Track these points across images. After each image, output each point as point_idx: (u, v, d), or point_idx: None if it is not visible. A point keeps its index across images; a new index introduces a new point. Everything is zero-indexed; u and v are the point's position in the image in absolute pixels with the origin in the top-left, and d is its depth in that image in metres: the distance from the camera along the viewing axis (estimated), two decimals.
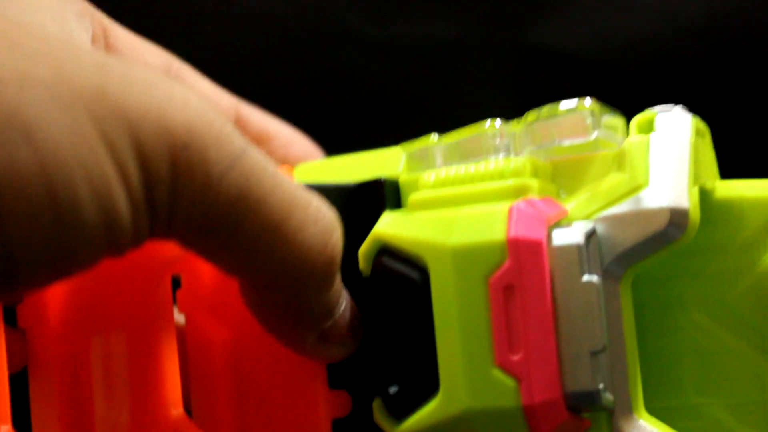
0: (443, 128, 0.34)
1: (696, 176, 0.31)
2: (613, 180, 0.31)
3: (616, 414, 0.31)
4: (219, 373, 0.33)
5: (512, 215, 0.30)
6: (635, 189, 0.31)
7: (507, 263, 0.29)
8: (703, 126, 0.32)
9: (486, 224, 0.30)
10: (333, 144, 0.38)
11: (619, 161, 0.31)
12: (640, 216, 0.30)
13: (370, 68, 0.49)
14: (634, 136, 0.32)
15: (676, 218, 0.30)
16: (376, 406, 0.32)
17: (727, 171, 0.34)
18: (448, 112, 0.34)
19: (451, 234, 0.30)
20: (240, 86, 0.37)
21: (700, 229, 0.31)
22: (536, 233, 0.30)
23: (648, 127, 0.32)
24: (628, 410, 0.31)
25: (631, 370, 0.31)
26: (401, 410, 0.32)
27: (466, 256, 0.30)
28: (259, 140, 0.35)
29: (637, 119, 0.32)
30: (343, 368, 0.33)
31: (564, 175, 0.32)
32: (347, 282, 0.32)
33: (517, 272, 0.29)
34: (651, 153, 0.31)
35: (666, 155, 0.31)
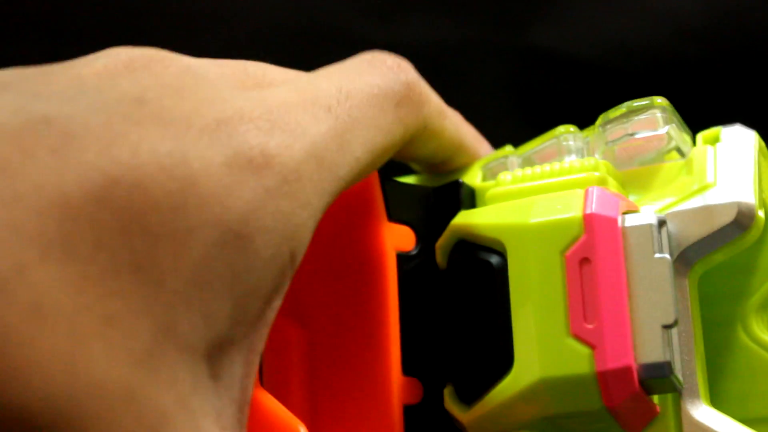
0: None
1: (760, 187, 0.33)
2: (681, 183, 0.33)
3: (684, 399, 0.31)
4: (292, 364, 0.34)
5: (589, 195, 0.31)
6: (703, 188, 0.32)
7: (583, 237, 0.31)
8: (764, 145, 0.34)
9: (563, 204, 0.32)
10: None
11: (687, 169, 0.33)
12: (708, 211, 0.32)
13: None
14: (701, 146, 0.34)
15: (744, 212, 0.32)
16: (447, 393, 0.33)
17: None
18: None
19: (529, 215, 0.32)
20: None
21: (754, 247, 0.33)
22: (611, 212, 0.31)
23: (714, 140, 0.34)
24: (696, 396, 0.31)
25: (698, 360, 0.32)
26: (472, 395, 0.32)
27: (543, 232, 0.31)
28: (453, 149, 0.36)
29: (704, 133, 0.34)
30: (416, 356, 0.33)
31: (633, 183, 0.34)
32: (425, 280, 0.33)
33: (593, 246, 0.31)
34: (718, 158, 0.33)
35: (732, 160, 0.33)
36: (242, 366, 0.26)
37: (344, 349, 0.34)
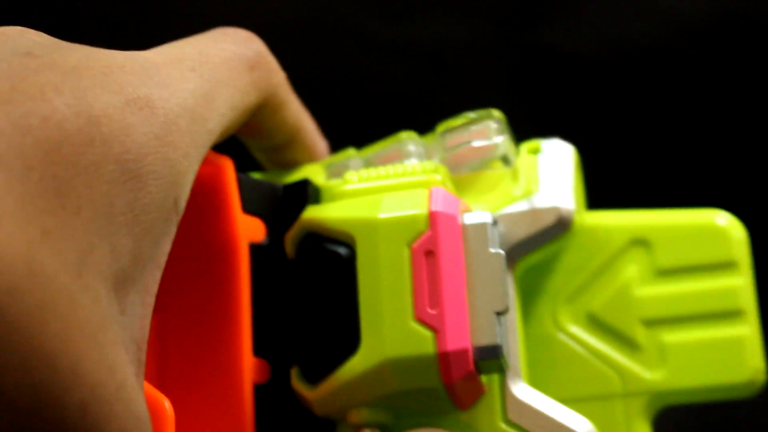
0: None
1: (577, 194, 0.37)
2: (507, 189, 0.37)
3: (508, 378, 0.35)
4: None
5: (433, 195, 0.35)
6: (527, 194, 0.37)
7: (428, 232, 0.34)
8: (579, 159, 0.39)
9: (410, 202, 0.35)
10: (340, 144, 0.41)
11: (512, 176, 0.37)
12: (532, 214, 0.36)
13: (377, 68, 0.51)
14: (525, 156, 0.38)
15: (563, 215, 0.36)
16: (294, 372, 0.35)
17: (730, 168, 0.38)
18: (456, 113, 0.37)
19: (378, 210, 0.35)
20: None
21: (566, 251, 0.37)
22: (453, 210, 0.35)
23: (535, 151, 0.38)
24: (519, 377, 0.35)
25: (520, 345, 0.36)
26: (318, 375, 0.35)
27: (392, 226, 0.34)
28: (295, 129, 0.39)
29: (526, 145, 0.38)
30: (266, 339, 0.36)
31: (463, 187, 0.38)
32: (275, 269, 0.36)
33: (437, 240, 0.34)
34: (540, 167, 0.37)
35: (553, 169, 0.37)
36: (140, 306, 0.29)
37: (197, 332, 0.36)
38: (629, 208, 0.39)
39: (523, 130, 0.39)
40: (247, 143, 0.39)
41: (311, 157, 0.39)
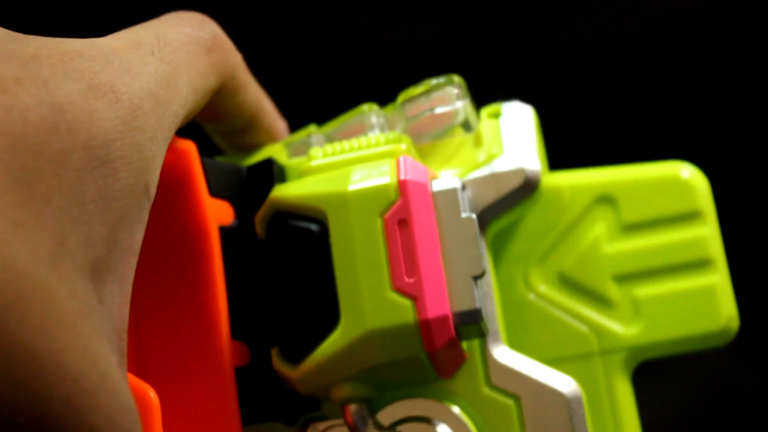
0: None
1: (540, 155, 0.37)
2: (470, 154, 0.37)
3: (489, 343, 0.35)
4: None
5: (400, 164, 0.35)
6: (491, 157, 0.36)
7: (399, 201, 0.34)
8: (538, 121, 0.39)
9: (378, 172, 0.35)
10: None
11: (475, 141, 0.37)
12: (498, 177, 0.36)
13: (380, 67, 0.50)
14: (486, 121, 0.38)
15: (530, 176, 0.36)
16: (274, 353, 0.35)
17: (730, 162, 0.38)
18: None
19: (347, 183, 0.35)
20: None
21: (533, 214, 0.38)
22: (422, 178, 0.35)
23: (496, 115, 0.38)
24: (499, 340, 0.35)
25: (498, 309, 0.36)
26: (299, 354, 0.35)
27: (362, 198, 0.34)
28: (254, 110, 0.38)
29: (486, 109, 0.38)
30: (243, 322, 0.35)
31: (426, 157, 0.38)
32: (246, 251, 0.35)
33: (408, 208, 0.34)
34: (502, 131, 0.37)
35: (515, 131, 0.37)
36: (119, 295, 0.29)
37: (173, 319, 0.35)
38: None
39: None
40: (206, 127, 0.38)
41: (271, 138, 0.39)
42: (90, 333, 0.27)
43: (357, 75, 0.51)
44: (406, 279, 0.33)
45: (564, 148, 0.39)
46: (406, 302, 0.33)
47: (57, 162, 0.27)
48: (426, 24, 0.53)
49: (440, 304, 0.33)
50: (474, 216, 0.34)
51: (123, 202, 0.29)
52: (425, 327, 0.33)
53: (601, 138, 0.50)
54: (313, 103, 0.39)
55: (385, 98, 0.39)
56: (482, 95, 0.40)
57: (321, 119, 0.40)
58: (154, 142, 0.30)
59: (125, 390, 0.28)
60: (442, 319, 0.33)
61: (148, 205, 0.30)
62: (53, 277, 0.26)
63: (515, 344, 0.37)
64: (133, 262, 0.30)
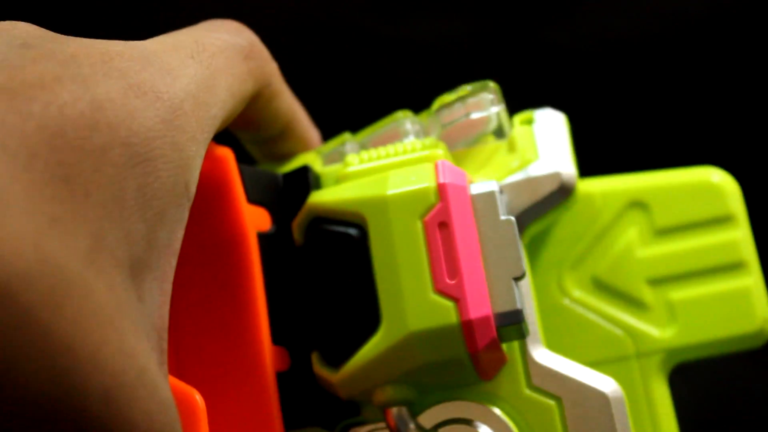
0: None
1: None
2: (505, 159, 0.37)
3: (529, 344, 0.35)
4: None
5: (439, 167, 0.35)
6: (526, 162, 0.37)
7: (439, 204, 0.34)
8: (569, 127, 0.39)
9: (417, 176, 0.35)
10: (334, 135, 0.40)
11: (509, 147, 0.38)
12: (534, 182, 0.36)
13: (380, 66, 0.50)
14: (519, 127, 0.38)
15: (565, 180, 0.36)
16: (315, 358, 0.35)
17: (735, 161, 0.38)
18: None
19: (385, 188, 0.35)
20: None
21: (565, 219, 0.38)
22: (461, 181, 0.35)
23: (529, 121, 0.38)
24: (539, 342, 0.35)
25: (536, 310, 0.36)
26: (339, 357, 0.35)
27: (403, 202, 0.34)
28: (288, 119, 0.39)
29: (519, 116, 0.38)
30: (282, 327, 0.36)
31: (461, 164, 0.38)
32: (284, 257, 0.36)
33: (448, 211, 0.34)
34: (537, 136, 0.37)
35: (549, 137, 0.37)
36: (159, 293, 0.29)
37: (213, 325, 0.35)
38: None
39: None
40: (240, 136, 0.39)
41: (305, 147, 0.39)
42: (128, 329, 0.27)
43: (357, 75, 0.51)
44: (448, 281, 0.34)
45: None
46: (449, 303, 0.33)
47: (96, 158, 0.27)
48: (426, 24, 0.53)
49: (482, 305, 0.33)
50: (513, 218, 0.34)
51: (163, 200, 0.29)
52: (468, 327, 0.33)
53: (600, 138, 0.51)
54: (313, 103, 0.39)
55: (385, 98, 0.39)
56: None
57: (321, 119, 0.40)
58: (194, 143, 0.30)
59: (164, 387, 0.28)
60: (485, 320, 0.33)
61: (187, 205, 0.30)
62: (90, 272, 0.26)
63: (552, 348, 0.37)
64: (173, 261, 0.30)
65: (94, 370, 0.25)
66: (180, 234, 0.30)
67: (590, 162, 0.41)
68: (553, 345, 0.37)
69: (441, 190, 0.34)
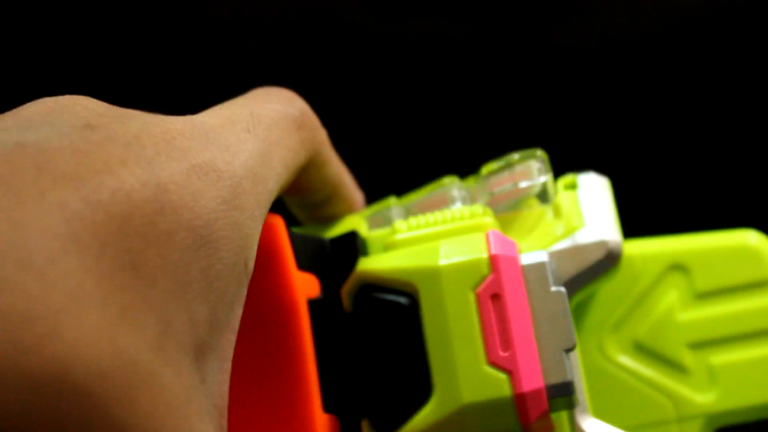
0: (452, 126, 0.37)
1: None
2: (551, 226, 0.38)
3: (577, 414, 0.36)
4: None
5: (490, 238, 0.35)
6: (572, 229, 0.37)
7: (492, 275, 0.35)
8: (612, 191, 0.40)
9: (468, 247, 0.35)
10: (340, 143, 0.40)
11: (554, 212, 0.38)
12: (581, 250, 0.37)
13: (378, 65, 0.50)
14: (563, 192, 0.38)
15: (612, 248, 0.37)
16: (365, 426, 0.35)
17: (735, 160, 0.38)
18: (457, 110, 0.37)
19: (437, 258, 0.35)
20: (247, 83, 0.39)
21: (605, 283, 0.38)
22: (512, 252, 0.35)
23: (573, 186, 0.39)
24: (586, 411, 0.36)
25: (584, 379, 0.36)
26: (390, 425, 0.35)
27: (455, 273, 0.35)
28: (336, 184, 0.39)
29: (563, 180, 0.39)
30: (333, 394, 0.36)
31: (506, 229, 0.38)
32: (334, 323, 0.36)
33: (500, 283, 0.34)
34: (581, 202, 0.38)
35: (594, 203, 0.38)
36: (219, 372, 0.29)
37: (263, 392, 0.36)
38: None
39: (522, 127, 0.39)
40: (286, 199, 0.39)
41: (350, 209, 0.39)
42: (194, 414, 0.27)
43: (357, 75, 0.51)
44: (501, 353, 0.34)
45: (565, 147, 0.39)
46: (502, 376, 0.34)
47: (162, 243, 0.27)
48: (427, 24, 0.53)
49: (535, 378, 0.34)
50: (564, 290, 0.35)
51: (224, 281, 0.29)
52: (521, 400, 0.34)
53: (600, 138, 0.51)
54: (314, 102, 0.39)
55: (385, 97, 0.39)
56: (483, 94, 0.40)
57: (321, 119, 0.40)
58: (253, 220, 0.31)
59: None
60: (537, 393, 0.34)
61: (247, 282, 0.31)
62: (159, 361, 0.26)
63: (592, 411, 0.38)
64: (233, 339, 0.30)
65: None
66: (239, 312, 0.30)
67: (589, 161, 0.41)
68: (594, 408, 0.38)
69: (493, 261, 0.35)
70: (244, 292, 0.31)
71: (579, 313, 0.39)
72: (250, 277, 0.31)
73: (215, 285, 0.29)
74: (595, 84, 0.53)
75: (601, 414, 0.38)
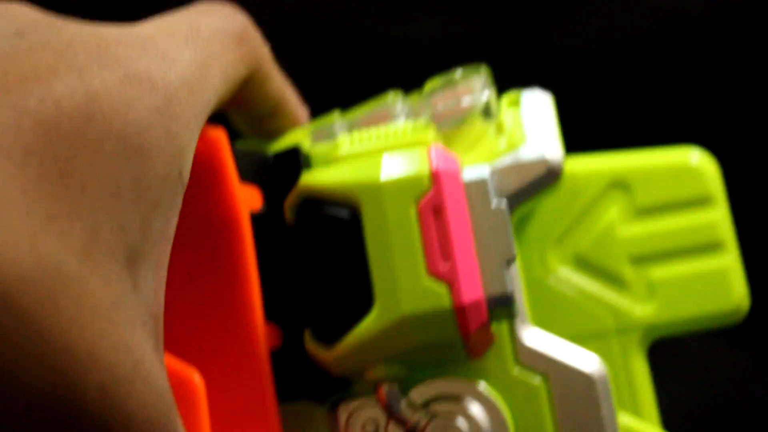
0: None
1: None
2: (493, 142, 0.38)
3: (517, 324, 0.36)
4: None
5: (431, 153, 0.36)
6: (514, 146, 0.37)
7: (433, 190, 0.35)
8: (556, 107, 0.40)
9: (410, 162, 0.35)
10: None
11: (497, 129, 0.38)
12: (522, 167, 0.37)
13: (380, 65, 0.51)
14: (506, 108, 0.39)
15: (553, 165, 0.37)
16: (307, 335, 0.36)
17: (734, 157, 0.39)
18: None
19: (379, 173, 0.35)
20: None
21: (548, 197, 0.39)
22: (454, 167, 0.35)
23: (516, 103, 0.39)
24: (526, 321, 0.36)
25: (524, 289, 0.37)
26: (332, 335, 0.35)
27: (396, 188, 0.35)
28: (278, 98, 0.39)
29: (506, 97, 0.39)
30: (274, 304, 0.36)
31: (450, 144, 0.38)
32: (276, 236, 0.36)
33: (442, 197, 0.35)
34: (524, 119, 0.38)
35: (537, 119, 0.38)
36: (153, 280, 0.29)
37: (205, 304, 0.36)
38: (601, 149, 0.40)
39: None
40: (229, 114, 0.39)
41: (293, 124, 0.40)
42: (123, 321, 0.27)
43: (357, 74, 0.52)
44: (441, 265, 0.34)
45: (565, 147, 0.40)
46: (442, 287, 0.34)
47: (92, 151, 0.27)
48: (427, 23, 0.54)
49: (474, 289, 0.34)
50: (505, 204, 0.35)
51: (157, 190, 0.29)
52: (460, 311, 0.34)
53: (601, 138, 0.51)
54: (313, 100, 0.39)
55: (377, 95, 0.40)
56: None
57: (316, 113, 0.40)
58: (188, 131, 0.31)
59: (160, 376, 0.28)
60: (477, 303, 0.34)
61: (182, 192, 0.31)
62: (86, 268, 0.26)
63: (534, 322, 0.38)
64: (168, 247, 0.30)
65: (90, 366, 0.26)
66: (174, 221, 0.30)
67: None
68: (535, 319, 0.38)
69: (435, 176, 0.35)
70: (179, 201, 0.31)
71: (522, 227, 0.39)
72: (185, 186, 0.31)
73: (147, 194, 0.29)
74: (595, 84, 0.53)
75: (542, 325, 0.38)
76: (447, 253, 0.34)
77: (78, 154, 0.26)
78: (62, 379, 0.25)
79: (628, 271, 0.39)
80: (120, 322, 0.27)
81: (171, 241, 0.30)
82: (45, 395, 0.25)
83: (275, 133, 0.40)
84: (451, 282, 0.34)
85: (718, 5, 0.45)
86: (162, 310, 0.30)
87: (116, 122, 0.28)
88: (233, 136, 0.40)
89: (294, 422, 0.37)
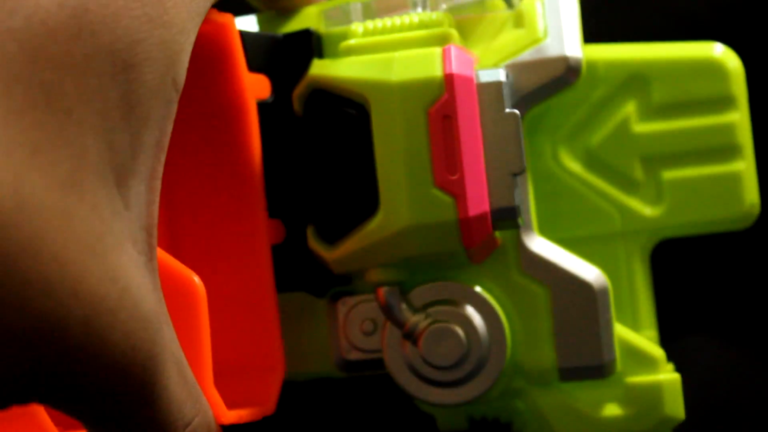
0: None
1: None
2: (513, 35, 0.36)
3: (522, 233, 0.36)
4: None
5: (447, 55, 0.34)
6: (534, 41, 0.36)
7: (445, 96, 0.34)
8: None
9: (424, 63, 0.34)
10: None
11: (516, 20, 0.37)
12: (542, 63, 0.36)
13: None
14: (528, 1, 0.37)
15: (572, 65, 0.36)
16: (310, 232, 0.36)
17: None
18: None
19: (391, 72, 0.34)
20: None
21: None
22: (468, 71, 0.34)
23: None
24: (532, 230, 0.36)
25: (531, 197, 0.36)
26: (335, 235, 0.35)
27: (408, 90, 0.34)
28: None
29: None
30: (278, 199, 0.36)
31: (466, 33, 0.37)
32: (283, 126, 0.35)
33: (454, 104, 0.34)
34: (547, 13, 0.36)
35: (559, 15, 0.36)
36: (146, 193, 0.28)
37: (207, 196, 0.35)
38: (625, 41, 0.39)
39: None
40: None
41: (308, 0, 0.38)
42: (111, 247, 0.26)
43: None
44: (449, 176, 0.34)
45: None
46: (448, 199, 0.34)
47: (79, 71, 0.25)
48: None
49: (480, 202, 0.34)
50: (517, 112, 0.34)
51: (148, 104, 0.28)
52: (465, 225, 0.34)
53: None
54: None
55: None
56: None
57: None
58: (183, 34, 0.29)
59: (148, 298, 0.28)
60: (482, 217, 0.34)
61: (176, 98, 0.29)
62: (72, 198, 0.25)
63: (541, 216, 0.38)
64: (162, 156, 0.29)
65: (74, 303, 0.25)
66: (169, 128, 0.29)
67: None
68: (543, 213, 0.38)
69: (448, 81, 0.34)
70: (174, 108, 0.29)
71: (535, 117, 0.38)
72: (180, 90, 0.29)
73: (138, 109, 0.27)
74: None
75: (549, 220, 0.38)
76: (455, 164, 0.34)
77: (65, 76, 0.25)
78: (45, 320, 0.25)
79: (639, 171, 0.38)
80: (107, 251, 0.26)
81: (165, 149, 0.29)
82: (28, 337, 0.25)
83: (289, 8, 0.38)
84: (457, 195, 0.34)
85: (720, 5, 0.43)
86: (156, 220, 0.29)
87: (105, 36, 0.26)
88: (246, 10, 0.38)
89: (294, 312, 0.37)
